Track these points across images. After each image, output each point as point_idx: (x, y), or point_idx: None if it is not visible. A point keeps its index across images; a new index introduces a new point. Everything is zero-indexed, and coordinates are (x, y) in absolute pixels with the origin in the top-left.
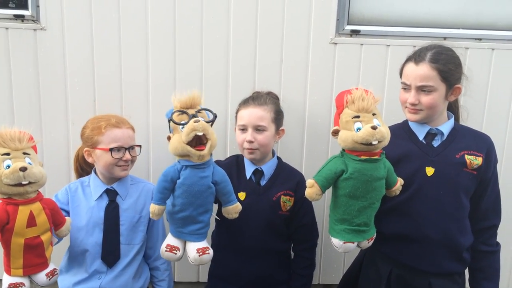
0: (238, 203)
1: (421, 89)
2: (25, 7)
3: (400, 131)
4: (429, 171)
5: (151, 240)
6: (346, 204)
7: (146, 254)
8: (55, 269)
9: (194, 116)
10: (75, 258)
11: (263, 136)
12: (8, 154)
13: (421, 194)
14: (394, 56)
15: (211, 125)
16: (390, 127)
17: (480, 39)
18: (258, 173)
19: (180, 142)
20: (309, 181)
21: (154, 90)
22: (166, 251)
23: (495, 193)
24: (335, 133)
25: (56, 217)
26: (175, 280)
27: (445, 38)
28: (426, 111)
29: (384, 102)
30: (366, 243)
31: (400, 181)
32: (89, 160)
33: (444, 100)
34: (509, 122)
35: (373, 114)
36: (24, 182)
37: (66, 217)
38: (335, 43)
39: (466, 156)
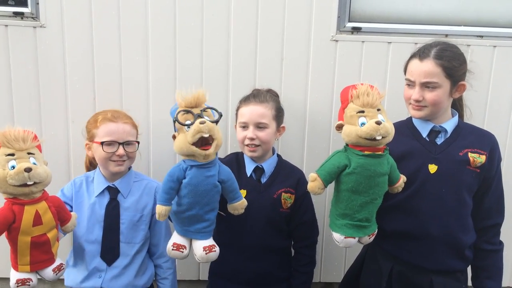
0: (244, 199)
1: (425, 85)
2: (24, 4)
3: (404, 128)
4: (432, 168)
5: (155, 238)
6: (348, 199)
7: (149, 252)
8: (61, 264)
9: (199, 116)
10: (78, 253)
11: (265, 133)
12: (12, 154)
13: (424, 192)
14: (395, 53)
15: (217, 123)
16: (393, 124)
17: (481, 36)
18: (258, 170)
19: (185, 143)
20: (312, 175)
21: (154, 87)
22: (172, 249)
23: (499, 192)
24: (339, 127)
25: (62, 213)
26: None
27: (446, 35)
28: (430, 107)
29: (385, 99)
30: (367, 239)
31: (403, 178)
32: (89, 154)
33: (449, 97)
34: (511, 120)
35: (378, 110)
36: (29, 183)
37: (72, 213)
38: (336, 41)
39: (470, 154)
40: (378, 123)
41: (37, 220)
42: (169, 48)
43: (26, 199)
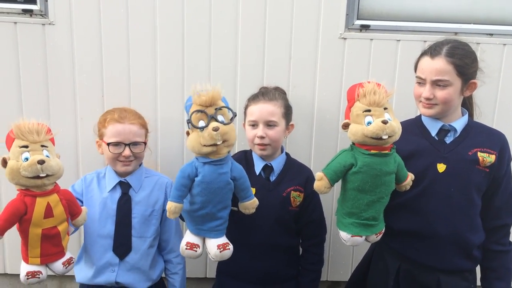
0: (255, 198)
1: (436, 83)
2: (33, 1)
3: (413, 126)
4: (441, 167)
5: (166, 234)
6: (355, 198)
7: (160, 247)
8: (71, 257)
9: (213, 117)
10: (89, 248)
11: (274, 132)
12: (26, 146)
13: (432, 191)
14: (404, 51)
15: (231, 121)
16: (402, 123)
17: (491, 35)
18: (267, 168)
19: (197, 143)
20: (318, 174)
21: (162, 84)
22: (186, 249)
23: (509, 192)
24: (345, 126)
25: (73, 207)
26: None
27: (456, 33)
28: (441, 105)
29: (394, 98)
30: (375, 237)
31: (410, 176)
32: (99, 151)
33: (459, 95)
34: None
35: (385, 109)
36: (42, 175)
37: (82, 207)
38: (345, 38)
39: (479, 154)
40: (385, 122)
41: (48, 212)
42: (178, 46)
43: (38, 191)
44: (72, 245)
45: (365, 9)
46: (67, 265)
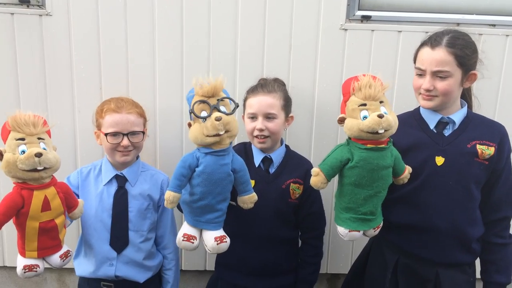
0: (254, 193)
1: (437, 74)
2: None
3: (411, 119)
4: (439, 160)
5: (161, 229)
6: (352, 192)
7: (154, 242)
8: (68, 250)
9: (215, 107)
10: (86, 242)
11: (274, 124)
12: (22, 139)
13: (431, 184)
14: (405, 42)
15: (233, 112)
16: (400, 115)
17: (494, 25)
18: (267, 161)
19: (200, 133)
20: (314, 170)
21: (161, 75)
22: (183, 240)
23: (508, 184)
24: (341, 121)
25: (70, 200)
26: (182, 269)
27: (458, 24)
28: (441, 97)
29: (395, 89)
30: (372, 232)
31: (408, 169)
32: (98, 142)
33: (459, 86)
34: None
35: (381, 102)
36: (39, 168)
37: (79, 200)
38: (346, 29)
39: (478, 146)
40: (380, 116)
41: (46, 205)
42: (176, 36)
43: (35, 184)
44: (71, 238)
45: (366, 0)
46: (64, 258)
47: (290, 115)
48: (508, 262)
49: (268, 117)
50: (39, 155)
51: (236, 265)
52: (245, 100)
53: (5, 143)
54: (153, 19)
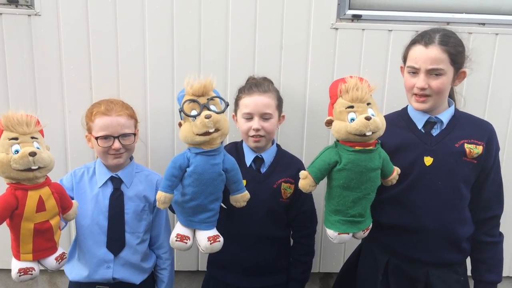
0: (246, 191)
1: (431, 72)
2: None
3: (399, 119)
4: (428, 160)
5: (155, 229)
6: (340, 195)
7: (149, 242)
8: (64, 253)
9: (205, 106)
10: (81, 245)
11: (269, 124)
12: (16, 138)
13: (420, 184)
14: (396, 41)
15: (223, 110)
16: (388, 115)
17: (483, 24)
18: (258, 160)
19: (190, 132)
20: (303, 173)
21: (152, 75)
22: (176, 240)
23: (497, 182)
24: (329, 123)
25: (64, 201)
26: (175, 269)
27: (448, 23)
28: (434, 97)
29: (385, 89)
30: (362, 234)
31: (396, 170)
32: (89, 145)
33: (451, 85)
34: None
35: (368, 104)
36: (33, 167)
37: (73, 201)
38: (336, 28)
39: (466, 145)
40: (368, 118)
41: (41, 206)
42: (167, 36)
43: (29, 184)
44: (63, 242)
45: None
46: (60, 261)
47: (282, 114)
48: (498, 261)
49: (264, 117)
50: (33, 154)
51: (228, 264)
52: (237, 99)
53: None
54: (144, 18)
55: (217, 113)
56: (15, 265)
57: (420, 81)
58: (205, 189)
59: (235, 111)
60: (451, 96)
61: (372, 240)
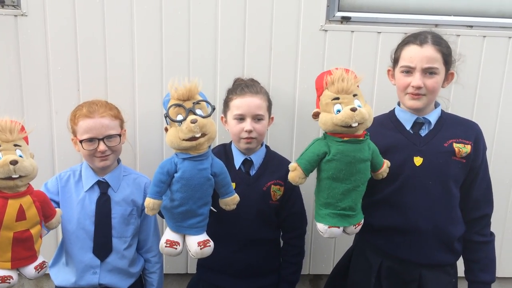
0: (236, 194)
1: (427, 71)
2: None
3: (387, 121)
4: (418, 161)
5: (144, 233)
6: (330, 187)
7: (137, 246)
8: (44, 261)
9: (191, 110)
10: (68, 250)
11: (261, 125)
12: None
13: (410, 185)
14: (385, 43)
15: (210, 114)
16: (376, 118)
17: (471, 26)
18: (247, 162)
19: (176, 138)
20: (292, 165)
21: (141, 77)
22: (166, 246)
23: (486, 182)
24: (316, 115)
25: (46, 209)
26: (164, 272)
27: (436, 25)
28: (428, 95)
29: (374, 90)
30: (353, 229)
31: (386, 163)
32: (76, 149)
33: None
34: (499, 110)
35: (355, 95)
36: (14, 176)
37: (57, 209)
38: (325, 30)
39: (455, 145)
40: (353, 109)
41: (21, 215)
42: (155, 38)
43: (10, 192)
44: (48, 246)
45: (346, 1)
46: (39, 270)
47: (271, 116)
48: (491, 260)
49: (257, 118)
50: (14, 162)
51: (218, 267)
52: (227, 100)
53: None
54: (132, 20)
55: (203, 117)
56: None
57: (416, 79)
58: (193, 194)
59: (225, 113)
60: None
61: (365, 242)
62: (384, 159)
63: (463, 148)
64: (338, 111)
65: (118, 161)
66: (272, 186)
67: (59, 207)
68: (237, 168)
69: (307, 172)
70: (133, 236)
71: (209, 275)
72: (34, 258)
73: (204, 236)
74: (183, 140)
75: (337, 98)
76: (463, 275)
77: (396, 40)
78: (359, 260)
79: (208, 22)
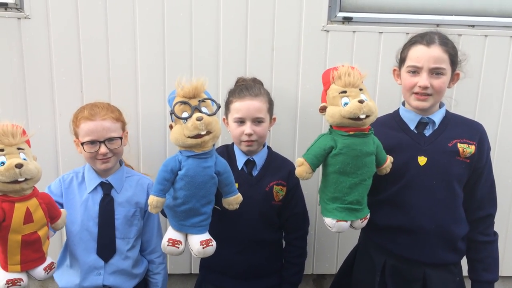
0: (239, 194)
1: (433, 71)
2: None
3: (391, 121)
4: (422, 160)
5: (147, 234)
6: (337, 181)
7: (141, 248)
8: (52, 262)
9: (196, 108)
10: (71, 252)
11: (262, 128)
12: (1, 150)
13: (414, 184)
14: (386, 43)
15: (215, 113)
16: (380, 118)
17: (473, 26)
18: (250, 163)
19: (181, 135)
20: (298, 160)
21: (143, 79)
22: (168, 245)
23: (490, 182)
24: (323, 109)
25: (52, 211)
26: (168, 273)
27: (438, 25)
28: (435, 96)
29: (376, 90)
30: (360, 223)
31: (390, 159)
32: (78, 151)
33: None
34: (502, 109)
35: (360, 90)
36: (20, 179)
37: (62, 210)
38: (327, 31)
39: (459, 145)
40: (361, 101)
41: (28, 217)
42: (158, 38)
43: (16, 196)
44: (53, 248)
45: (347, 1)
46: (48, 271)
47: (273, 116)
48: (494, 260)
49: (257, 121)
50: (19, 166)
51: (221, 268)
52: (228, 103)
53: None
54: (134, 21)
55: (209, 115)
56: (3, 276)
57: (422, 79)
58: (197, 192)
59: (226, 114)
60: None
61: (369, 241)
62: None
63: (467, 148)
64: (346, 104)
65: (121, 162)
66: (275, 186)
67: (63, 208)
68: (239, 169)
69: (314, 167)
70: (137, 237)
71: (211, 276)
72: (43, 259)
73: (206, 236)
74: (188, 137)
75: (345, 92)
76: (467, 274)
77: (398, 40)
78: (363, 258)
79: (209, 23)
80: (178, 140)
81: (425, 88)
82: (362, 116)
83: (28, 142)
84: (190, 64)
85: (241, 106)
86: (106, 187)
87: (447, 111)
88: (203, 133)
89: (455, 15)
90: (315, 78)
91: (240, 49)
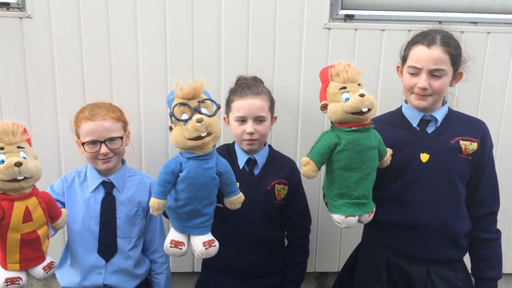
0: (241, 193)
1: (433, 73)
2: None
3: (394, 118)
4: (424, 157)
5: (149, 234)
6: (343, 177)
7: (144, 247)
8: (52, 262)
9: (196, 109)
10: (72, 251)
11: (263, 127)
12: (1, 148)
13: (417, 181)
14: (389, 41)
15: (215, 113)
16: (382, 115)
17: (475, 23)
18: (251, 162)
19: (181, 137)
20: (304, 159)
21: (145, 78)
22: (171, 247)
23: (492, 179)
24: (324, 107)
25: (52, 210)
26: (171, 271)
27: (440, 22)
28: (434, 96)
29: (379, 88)
30: (367, 217)
31: (389, 151)
32: (80, 151)
33: (448, 85)
34: (504, 107)
35: (359, 85)
36: (19, 178)
37: (62, 209)
38: (329, 28)
39: (461, 142)
40: (362, 95)
41: (27, 216)
42: (159, 38)
43: (15, 194)
44: (56, 246)
45: None
46: (47, 270)
47: (274, 115)
48: (497, 257)
49: (258, 120)
50: (19, 164)
51: (223, 268)
52: (229, 101)
53: None
54: (136, 21)
55: (209, 116)
56: (2, 275)
57: (422, 81)
58: (198, 193)
59: (227, 113)
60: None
61: (372, 238)
62: (391, 156)
63: (469, 146)
64: (347, 99)
65: (123, 162)
66: (276, 185)
67: (64, 208)
68: (240, 168)
69: (319, 164)
70: (139, 237)
71: (213, 275)
72: (42, 258)
73: (209, 236)
74: (189, 139)
75: (344, 88)
76: (470, 272)
77: (400, 37)
78: (366, 256)
79: (211, 21)
80: (178, 142)
81: (424, 89)
82: (365, 110)
83: (28, 141)
84: (192, 63)
85: (242, 105)
86: (108, 186)
87: (449, 109)
88: (203, 134)
89: (457, 12)
90: (317, 76)
91: (242, 47)
